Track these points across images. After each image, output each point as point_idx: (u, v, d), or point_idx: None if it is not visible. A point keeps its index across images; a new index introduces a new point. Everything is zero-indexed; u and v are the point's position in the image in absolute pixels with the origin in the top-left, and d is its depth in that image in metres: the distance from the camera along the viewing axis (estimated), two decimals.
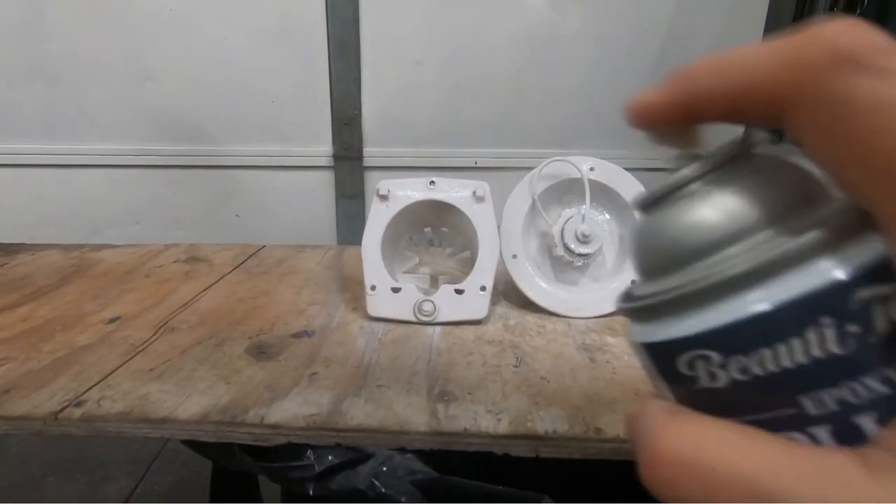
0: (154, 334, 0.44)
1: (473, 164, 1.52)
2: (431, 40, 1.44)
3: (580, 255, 0.48)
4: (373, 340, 0.44)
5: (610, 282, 0.50)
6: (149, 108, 1.44)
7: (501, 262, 0.49)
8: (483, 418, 0.33)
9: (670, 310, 0.11)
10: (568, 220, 0.48)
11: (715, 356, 0.11)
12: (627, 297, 0.13)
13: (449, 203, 0.49)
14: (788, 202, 0.11)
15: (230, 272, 0.60)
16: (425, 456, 0.33)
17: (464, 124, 1.52)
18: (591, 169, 0.50)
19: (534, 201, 0.50)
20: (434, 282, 0.52)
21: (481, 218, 0.48)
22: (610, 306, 0.49)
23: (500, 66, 1.47)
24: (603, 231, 0.50)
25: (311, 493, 0.30)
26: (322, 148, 1.51)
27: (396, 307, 0.47)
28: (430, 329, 0.46)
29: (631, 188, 0.50)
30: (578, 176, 0.50)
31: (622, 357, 0.41)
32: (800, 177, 0.11)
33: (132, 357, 0.40)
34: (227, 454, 0.34)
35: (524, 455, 0.32)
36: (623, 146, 1.48)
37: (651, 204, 0.13)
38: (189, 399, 0.35)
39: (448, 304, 0.47)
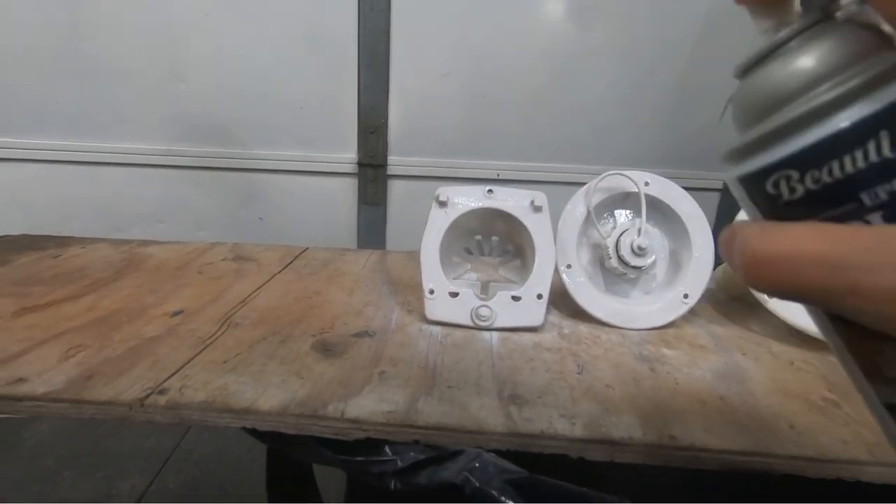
0: (219, 329, 0.45)
1: (496, 177, 1.53)
2: (459, 53, 1.47)
3: (634, 267, 0.49)
4: (434, 343, 0.44)
5: (661, 295, 0.51)
6: (179, 109, 1.47)
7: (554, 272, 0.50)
8: (558, 422, 0.34)
9: (763, 143, 0.14)
10: (623, 232, 0.49)
11: (794, 173, 0.14)
12: (731, 148, 0.16)
13: (506, 212, 0.50)
14: (860, 51, 0.14)
15: (280, 272, 0.61)
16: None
17: (488, 137, 1.54)
18: (647, 184, 0.51)
19: (589, 213, 0.51)
20: (485, 289, 0.53)
21: (539, 227, 0.49)
22: (662, 319, 0.49)
23: (524, 81, 1.49)
24: (657, 245, 0.51)
25: (392, 487, 0.31)
26: (347, 155, 1.53)
27: (453, 311, 0.48)
28: (487, 334, 0.47)
29: (684, 202, 0.51)
30: (633, 190, 0.51)
31: (682, 369, 0.42)
32: (872, 30, 0.14)
33: (203, 350, 0.41)
34: (301, 446, 0.34)
35: (599, 459, 0.33)
36: (644, 163, 1.50)
37: (751, 66, 0.16)
38: (267, 392, 0.36)
39: (505, 311, 0.47)
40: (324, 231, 1.58)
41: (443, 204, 0.50)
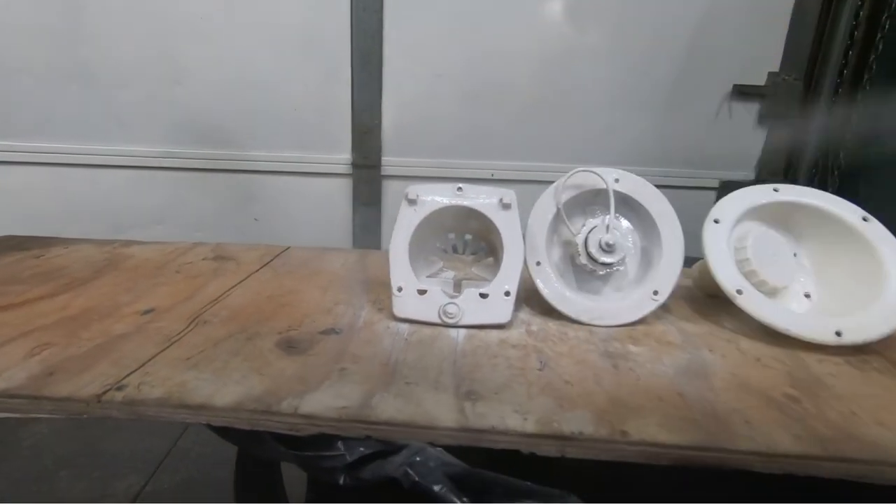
0: (187, 326, 0.45)
1: (490, 176, 1.54)
2: (452, 54, 1.47)
3: (603, 264, 0.49)
4: (399, 340, 0.45)
5: (632, 292, 0.51)
6: (176, 112, 1.48)
7: (525, 269, 0.50)
8: (510, 417, 0.34)
9: None
10: (592, 229, 0.49)
11: None
12: None
13: (475, 209, 0.50)
14: None
15: (257, 270, 0.61)
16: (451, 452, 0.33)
17: (481, 137, 1.54)
18: (617, 180, 0.51)
19: (558, 210, 0.51)
20: (458, 286, 0.53)
21: (507, 225, 0.49)
22: (632, 316, 0.49)
23: (518, 81, 1.49)
24: (626, 241, 0.50)
25: (341, 482, 0.31)
26: (342, 156, 1.53)
27: (421, 309, 0.48)
28: (454, 331, 0.47)
29: (655, 200, 0.51)
30: (603, 186, 0.51)
31: (645, 365, 0.42)
32: None
33: (168, 347, 0.41)
34: (258, 442, 0.35)
35: (550, 454, 0.32)
36: (639, 162, 1.49)
37: None
38: (225, 388, 0.36)
39: (472, 308, 0.47)
40: (320, 231, 1.59)
41: (412, 202, 0.50)
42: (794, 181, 1.54)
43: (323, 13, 1.42)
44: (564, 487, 0.33)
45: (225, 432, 0.38)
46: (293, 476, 0.59)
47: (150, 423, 1.42)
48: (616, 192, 0.50)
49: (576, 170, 0.51)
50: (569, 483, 0.34)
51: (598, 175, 0.50)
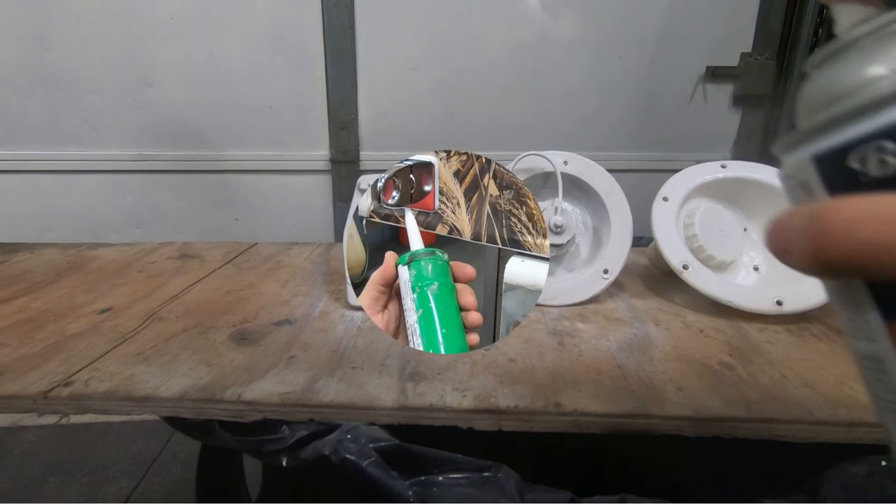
0: (142, 323, 0.46)
1: None
2: (426, 46, 1.47)
3: (554, 245, 0.50)
4: (351, 328, 0.45)
5: (583, 271, 0.52)
6: (149, 114, 1.47)
7: None
8: (449, 395, 0.35)
9: (853, 114, 0.13)
10: (542, 212, 0.50)
11: (890, 145, 0.12)
12: (803, 128, 0.15)
13: None
14: None
15: (220, 267, 0.62)
16: (409, 434, 0.34)
17: (458, 129, 1.54)
18: (565, 163, 0.52)
19: None
20: None
21: None
22: (583, 295, 0.50)
23: (494, 72, 1.50)
24: (576, 222, 0.51)
25: (284, 464, 0.32)
26: (319, 152, 1.53)
27: None
28: None
29: (603, 181, 0.52)
30: (552, 170, 0.51)
31: (590, 341, 0.43)
32: None
33: (120, 344, 0.42)
34: (207, 431, 0.36)
35: (487, 429, 0.33)
36: (616, 149, 1.50)
37: (830, 55, 0.15)
38: (171, 380, 0.37)
39: None
40: (300, 229, 1.59)
41: (364, 192, 0.51)
42: (769, 161, 1.56)
43: (294, 9, 1.42)
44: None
45: (181, 426, 0.39)
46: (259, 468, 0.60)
47: (139, 426, 1.41)
48: (566, 175, 0.51)
49: (524, 154, 0.52)
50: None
51: (546, 158, 0.51)
